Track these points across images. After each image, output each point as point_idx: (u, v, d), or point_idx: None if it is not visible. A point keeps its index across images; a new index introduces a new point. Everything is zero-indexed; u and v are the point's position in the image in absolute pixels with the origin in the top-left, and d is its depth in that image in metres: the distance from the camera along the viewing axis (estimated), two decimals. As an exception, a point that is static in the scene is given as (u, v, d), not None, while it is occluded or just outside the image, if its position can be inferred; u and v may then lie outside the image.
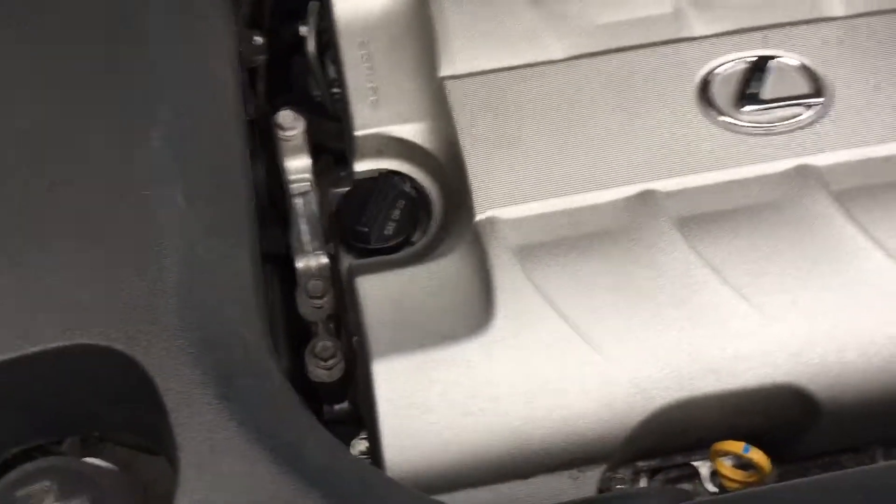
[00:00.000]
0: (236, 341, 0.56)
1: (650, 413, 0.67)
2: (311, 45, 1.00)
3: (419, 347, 0.67)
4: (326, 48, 1.00)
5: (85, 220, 0.56)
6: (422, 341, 0.68)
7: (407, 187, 0.83)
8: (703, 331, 0.68)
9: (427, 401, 0.66)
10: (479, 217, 0.73)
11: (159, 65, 0.64)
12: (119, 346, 0.53)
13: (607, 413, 0.67)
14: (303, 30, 1.03)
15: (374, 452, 0.67)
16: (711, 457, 0.69)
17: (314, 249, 0.88)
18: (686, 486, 0.77)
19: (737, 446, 0.66)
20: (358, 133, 0.80)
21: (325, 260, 0.88)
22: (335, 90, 1.00)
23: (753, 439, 0.72)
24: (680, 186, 0.74)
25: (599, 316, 0.69)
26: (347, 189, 0.84)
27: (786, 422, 0.71)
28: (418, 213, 0.81)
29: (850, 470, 0.64)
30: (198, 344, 0.53)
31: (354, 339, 0.76)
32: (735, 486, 0.69)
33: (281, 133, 0.85)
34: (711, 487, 0.74)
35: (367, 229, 0.77)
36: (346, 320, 0.82)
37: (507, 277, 0.70)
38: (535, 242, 0.72)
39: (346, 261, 0.80)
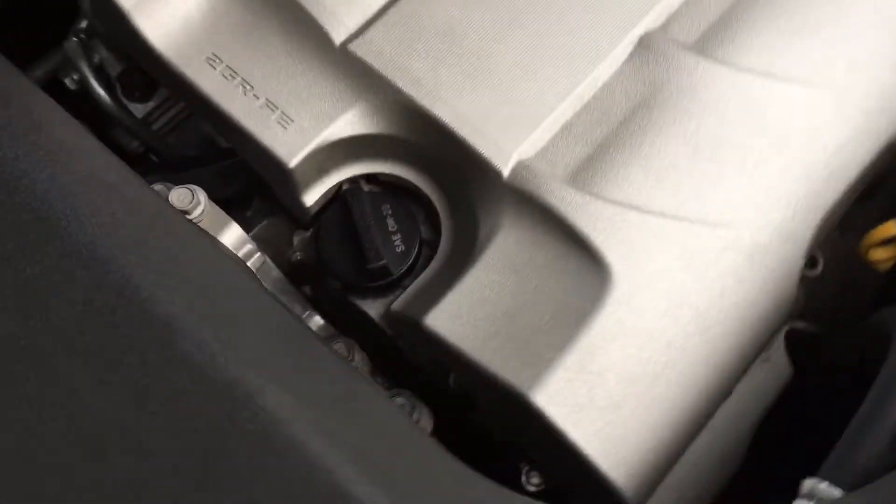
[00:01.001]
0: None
1: (808, 252, 0.60)
2: (99, 93, 0.78)
3: (560, 350, 0.55)
4: (112, 87, 0.79)
5: None
6: (556, 341, 0.55)
7: (372, 188, 0.67)
8: (796, 144, 0.60)
9: (609, 396, 0.55)
10: (507, 171, 0.59)
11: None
12: None
13: (771, 285, 0.59)
14: (69, 82, 0.81)
15: (590, 486, 0.56)
16: (863, 252, 0.63)
17: (303, 315, 0.71)
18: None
19: (890, 228, 0.61)
20: (292, 164, 0.62)
21: (321, 321, 0.71)
22: (156, 125, 0.81)
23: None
24: (667, 12, 0.63)
25: (698, 191, 0.59)
26: (311, 232, 0.67)
27: (889, 168, 0.66)
28: (412, 206, 0.65)
29: None
30: None
31: (451, 376, 0.62)
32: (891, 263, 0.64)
33: (189, 217, 0.65)
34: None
35: (383, 261, 0.61)
36: (395, 363, 0.68)
37: (586, 215, 0.57)
38: (581, 160, 0.60)
39: (370, 308, 0.64)
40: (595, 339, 0.55)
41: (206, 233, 0.51)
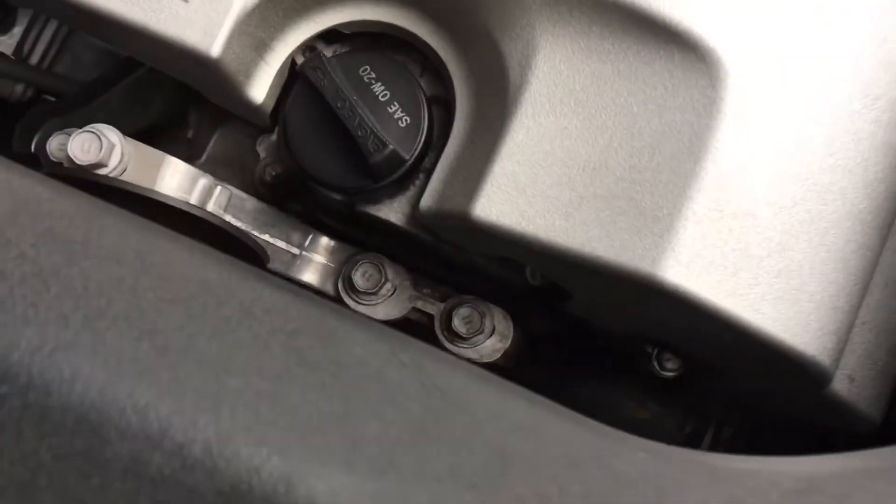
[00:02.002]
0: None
1: None
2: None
3: (680, 196, 0.38)
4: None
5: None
6: (670, 186, 0.38)
7: (338, 49, 0.48)
8: None
9: (767, 240, 0.38)
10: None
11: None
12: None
13: None
14: None
15: (766, 362, 0.40)
16: None
17: (305, 245, 0.54)
18: None
19: None
20: (215, 52, 0.42)
21: (331, 242, 0.54)
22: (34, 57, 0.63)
23: None
24: None
25: None
26: (277, 134, 0.49)
27: None
28: (399, 58, 0.46)
29: None
30: None
31: (528, 270, 0.46)
32: None
33: (106, 170, 0.47)
34: None
35: (389, 147, 0.43)
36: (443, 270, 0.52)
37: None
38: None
39: (389, 214, 0.47)
40: (726, 166, 0.38)
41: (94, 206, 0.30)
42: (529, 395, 0.27)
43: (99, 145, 0.45)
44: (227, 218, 0.49)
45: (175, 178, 0.47)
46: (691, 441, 0.60)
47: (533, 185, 0.40)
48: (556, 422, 0.25)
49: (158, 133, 0.59)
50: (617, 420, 0.63)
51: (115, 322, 0.23)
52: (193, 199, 0.47)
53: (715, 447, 0.59)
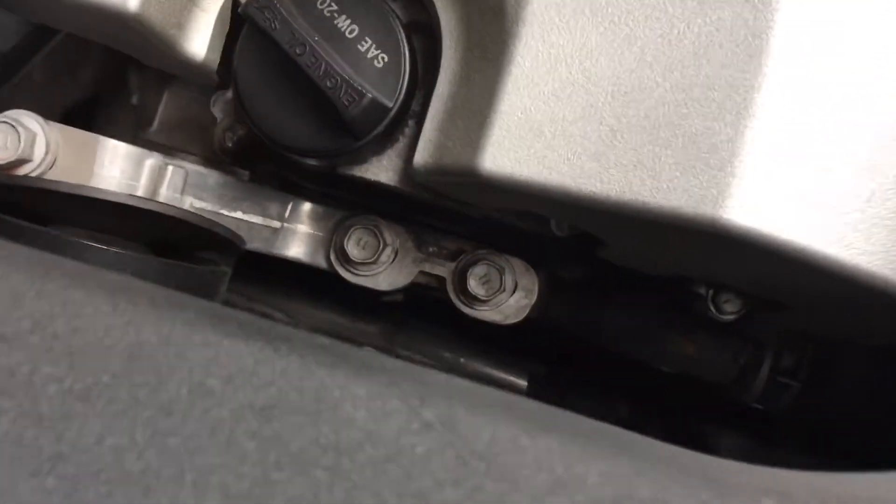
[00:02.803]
0: None
1: None
2: None
3: (737, 126, 0.30)
4: None
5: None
6: (720, 114, 0.31)
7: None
8: None
9: (841, 154, 0.31)
10: None
11: None
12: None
13: None
14: None
15: (849, 299, 0.34)
16: None
17: (285, 216, 0.46)
18: None
19: None
20: (133, 6, 0.34)
21: (316, 208, 0.47)
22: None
23: None
24: None
25: None
26: (231, 93, 0.41)
27: None
28: (364, 5, 0.38)
29: None
30: None
31: (552, 223, 0.38)
32: None
33: (32, 165, 0.39)
34: None
35: (368, 95, 0.35)
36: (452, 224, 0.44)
37: None
38: None
39: (378, 174, 0.39)
40: (793, 71, 0.30)
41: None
42: (596, 429, 0.20)
43: (17, 138, 0.38)
44: (187, 201, 0.41)
45: (116, 164, 0.39)
46: (746, 374, 0.54)
47: (551, 123, 0.32)
48: (643, 482, 0.18)
49: (98, 104, 0.51)
50: (664, 356, 0.57)
51: (1, 448, 0.16)
52: (142, 187, 0.39)
53: (773, 378, 0.52)
